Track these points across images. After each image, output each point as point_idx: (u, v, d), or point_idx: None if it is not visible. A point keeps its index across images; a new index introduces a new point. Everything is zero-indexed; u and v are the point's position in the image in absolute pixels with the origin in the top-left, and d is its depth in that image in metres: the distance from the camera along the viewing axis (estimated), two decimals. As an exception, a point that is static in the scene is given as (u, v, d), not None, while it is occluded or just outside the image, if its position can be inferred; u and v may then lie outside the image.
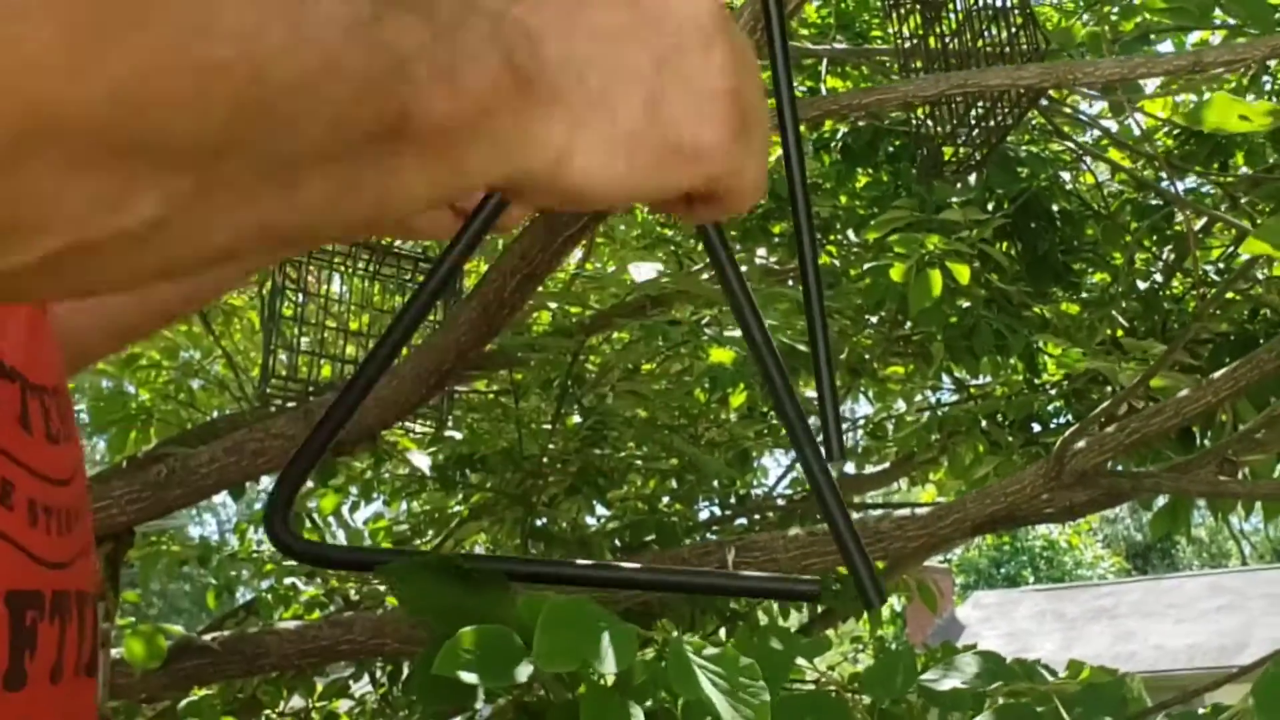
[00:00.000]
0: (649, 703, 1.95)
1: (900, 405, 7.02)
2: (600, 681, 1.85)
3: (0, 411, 0.97)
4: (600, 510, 5.33)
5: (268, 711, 5.04)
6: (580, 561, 1.64)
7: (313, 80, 0.73)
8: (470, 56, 0.81)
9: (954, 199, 5.66)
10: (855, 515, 5.93)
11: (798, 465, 7.33)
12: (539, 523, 5.06)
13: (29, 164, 0.65)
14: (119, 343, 1.64)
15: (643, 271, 4.60)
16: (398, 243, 5.06)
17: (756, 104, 1.00)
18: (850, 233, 6.54)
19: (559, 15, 0.89)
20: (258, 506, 6.14)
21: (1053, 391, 6.20)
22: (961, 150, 4.79)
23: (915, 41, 4.83)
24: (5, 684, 0.92)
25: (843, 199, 6.53)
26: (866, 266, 5.58)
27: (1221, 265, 6.24)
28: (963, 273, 5.14)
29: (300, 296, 4.51)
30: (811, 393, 6.25)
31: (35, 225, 0.67)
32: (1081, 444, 4.26)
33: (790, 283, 6.61)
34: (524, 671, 1.89)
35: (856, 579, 1.29)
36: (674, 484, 5.54)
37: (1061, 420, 6.20)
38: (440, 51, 0.80)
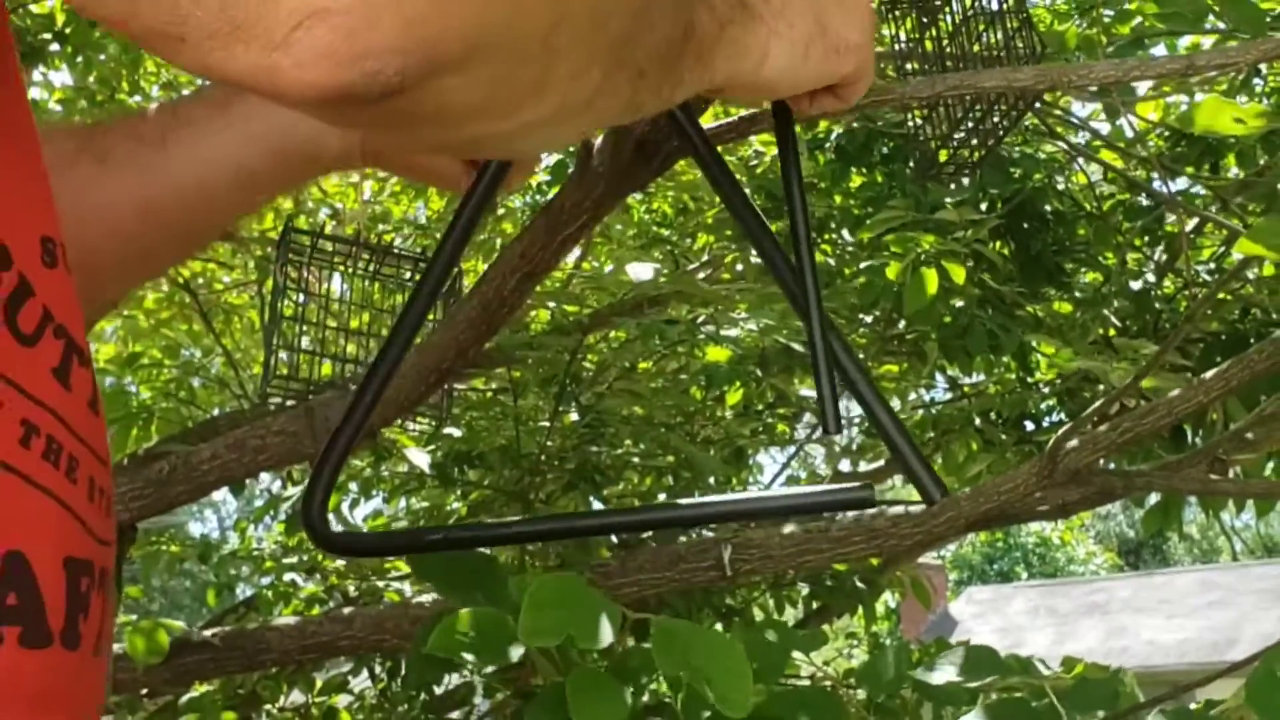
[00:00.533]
0: (644, 695, 1.96)
1: (895, 403, 7.03)
2: (591, 664, 1.85)
3: (76, 394, 0.99)
4: (597, 507, 5.34)
5: (268, 706, 5.04)
6: (609, 512, 1.67)
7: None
8: None
9: (949, 199, 5.67)
10: (850, 514, 5.96)
11: (793, 463, 7.34)
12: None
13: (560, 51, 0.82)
14: (136, 274, 1.66)
15: (640, 271, 4.60)
16: (398, 242, 5.07)
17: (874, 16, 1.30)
18: (845, 232, 6.55)
19: None
20: (258, 503, 6.15)
21: (1045, 390, 6.21)
22: (957, 152, 4.79)
23: (911, 44, 4.83)
24: (63, 642, 0.93)
25: (837, 199, 6.54)
26: (862, 266, 5.59)
27: (1213, 266, 6.25)
28: (957, 272, 5.15)
29: (301, 296, 4.52)
30: (806, 390, 6.27)
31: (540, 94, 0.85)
32: (1074, 442, 4.27)
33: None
34: (516, 651, 1.90)
35: (914, 479, 1.33)
36: (670, 481, 5.54)
37: (1054, 419, 6.21)
38: None
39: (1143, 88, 4.95)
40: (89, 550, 0.97)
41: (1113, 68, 3.06)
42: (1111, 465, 4.57)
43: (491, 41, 0.77)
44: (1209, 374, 4.43)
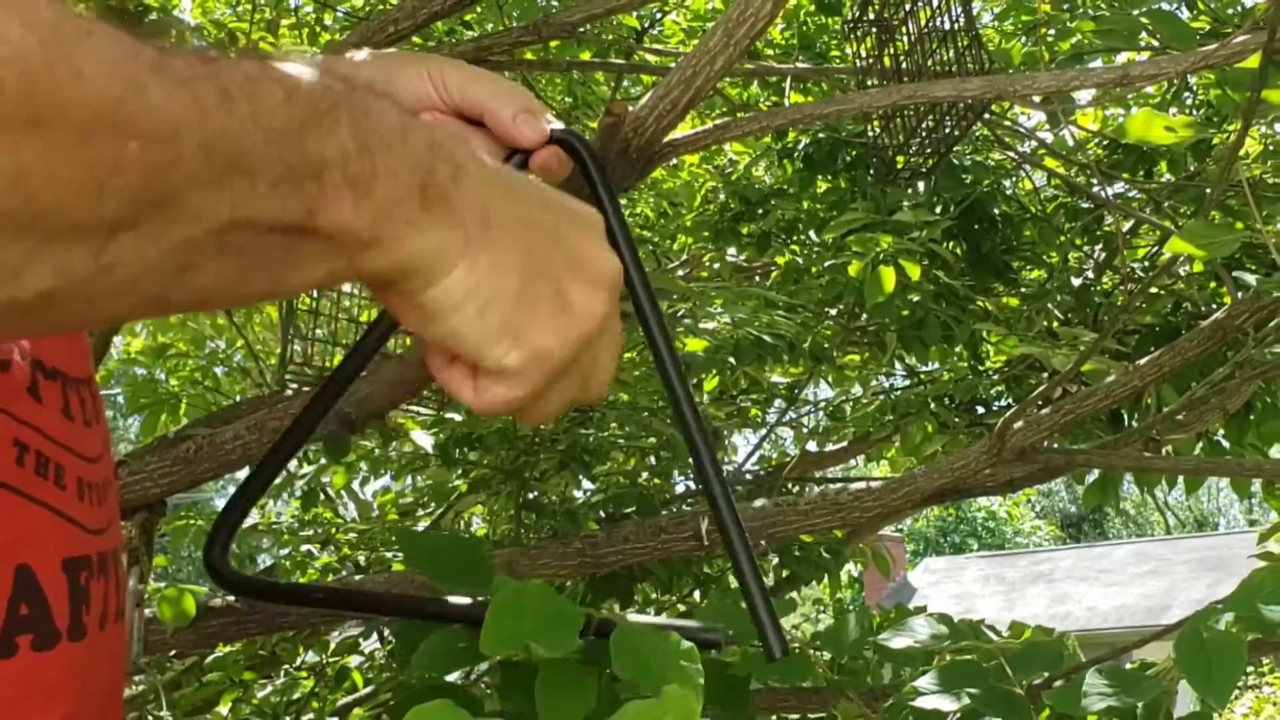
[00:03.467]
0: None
1: (857, 389, 7.03)
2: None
3: (48, 406, 1.00)
4: (586, 484, 5.33)
5: (285, 666, 5.03)
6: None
7: (220, 178, 0.75)
8: (389, 173, 0.86)
9: (905, 203, 5.67)
10: (815, 489, 5.93)
11: (765, 444, 7.33)
12: (531, 496, 5.05)
13: None
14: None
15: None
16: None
17: (592, 370, 1.05)
18: (812, 233, 6.54)
19: (496, 179, 0.97)
20: (276, 480, 6.15)
21: (994, 377, 6.20)
22: (913, 159, 4.79)
23: (871, 61, 4.83)
24: (69, 636, 0.95)
25: (805, 203, 6.53)
26: (826, 264, 5.59)
27: (1147, 263, 6.24)
28: (913, 270, 5.15)
29: (315, 291, 4.50)
30: (777, 377, 6.26)
31: None
32: (1020, 424, 4.27)
33: (758, 279, 6.62)
34: (484, 665, 1.88)
35: (760, 631, 1.27)
36: (653, 461, 5.54)
37: (1002, 403, 6.21)
38: (359, 164, 0.84)
39: (1082, 98, 4.95)
40: (84, 546, 0.99)
41: (1053, 78, 3.06)
42: (1055, 445, 4.57)
43: None
44: (1144, 361, 4.43)
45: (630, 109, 2.82)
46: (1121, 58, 4.99)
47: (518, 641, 1.69)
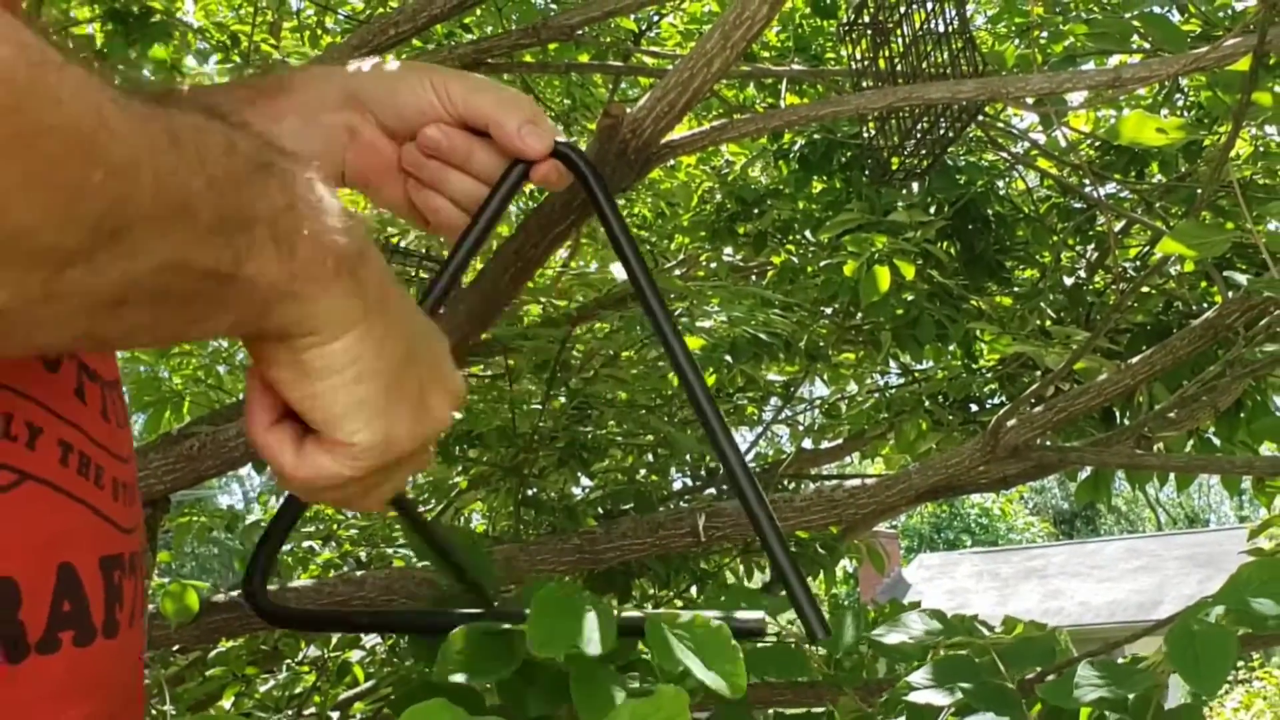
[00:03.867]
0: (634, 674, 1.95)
1: (852, 387, 7.03)
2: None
3: (91, 408, 1.01)
4: (585, 481, 5.34)
5: (287, 660, 5.03)
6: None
7: (167, 217, 0.78)
8: (312, 235, 0.90)
9: (900, 203, 5.67)
10: (811, 486, 5.93)
11: (761, 442, 7.33)
12: (530, 492, 5.06)
13: None
14: None
15: (622, 270, 4.60)
16: (404, 241, 5.06)
17: (395, 477, 1.07)
18: (808, 233, 6.55)
19: (389, 272, 1.00)
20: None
21: (988, 375, 6.21)
22: (907, 160, 4.79)
23: (866, 63, 4.82)
24: (104, 633, 0.96)
25: (800, 203, 6.53)
26: (822, 264, 5.60)
27: (1138, 263, 6.26)
28: (908, 269, 5.16)
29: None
30: (773, 375, 6.26)
31: None
32: (1013, 422, 4.27)
33: (754, 278, 6.62)
34: (512, 666, 1.88)
35: (801, 615, 1.26)
36: (650, 458, 5.54)
37: (996, 400, 6.21)
38: (287, 221, 0.88)
39: (1075, 100, 4.95)
40: (118, 545, 1.00)
41: (1046, 80, 3.06)
42: (1048, 442, 4.57)
43: None
44: (1135, 360, 4.44)
45: (628, 111, 2.82)
46: (1113, 60, 5.00)
47: (565, 642, 1.70)
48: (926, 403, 6.22)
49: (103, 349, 0.93)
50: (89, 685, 0.94)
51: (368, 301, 0.94)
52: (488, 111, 1.28)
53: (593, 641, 1.71)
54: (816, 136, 6.26)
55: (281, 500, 1.32)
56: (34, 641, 0.89)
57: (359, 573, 4.49)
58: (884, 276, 5.12)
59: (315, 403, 0.96)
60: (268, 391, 0.99)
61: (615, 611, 1.77)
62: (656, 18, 6.88)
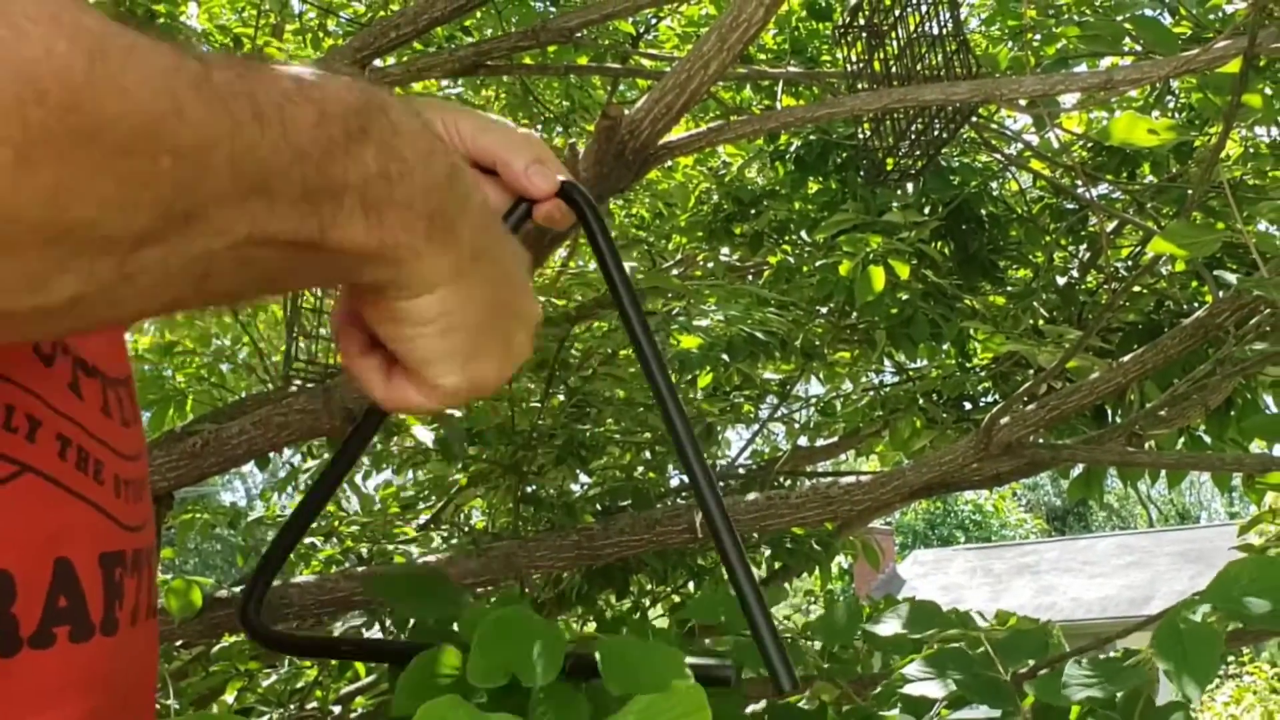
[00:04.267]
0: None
1: (847, 386, 7.03)
2: None
3: (88, 403, 1.00)
4: (583, 478, 5.34)
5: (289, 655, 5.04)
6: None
7: (245, 194, 0.76)
8: (404, 201, 0.88)
9: (895, 204, 5.68)
10: (807, 483, 5.93)
11: (758, 439, 7.33)
12: (529, 489, 5.06)
13: None
14: None
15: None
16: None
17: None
18: (803, 233, 6.55)
19: (486, 215, 1.03)
20: (281, 474, 6.15)
21: (981, 373, 6.21)
22: (902, 161, 4.79)
23: (861, 65, 4.83)
24: (102, 630, 0.95)
25: (796, 204, 6.54)
26: (817, 264, 5.60)
27: (1130, 262, 6.25)
28: (902, 269, 5.17)
29: (319, 290, 4.51)
30: (769, 374, 6.26)
31: None
32: (1006, 419, 4.27)
33: (750, 278, 6.62)
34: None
35: (769, 665, 1.24)
36: (647, 455, 5.54)
37: (989, 399, 6.21)
38: (378, 188, 0.85)
39: (1067, 101, 4.96)
40: (120, 542, 0.99)
41: (1039, 82, 3.06)
42: (1040, 440, 4.58)
43: None
44: (1127, 358, 4.45)
45: (626, 112, 2.82)
46: (1105, 62, 5.00)
47: (504, 670, 1.68)
48: (921, 401, 6.22)
49: (191, 310, 0.88)
50: (87, 682, 0.93)
51: (461, 258, 0.95)
52: (495, 151, 1.28)
53: (532, 672, 1.69)
54: (812, 138, 6.26)
55: (278, 530, 1.32)
56: (27, 636, 0.88)
57: (360, 569, 4.50)
58: (879, 276, 5.12)
59: (404, 346, 0.98)
60: (357, 319, 1.01)
61: (581, 633, 1.74)
62: (654, 20, 6.87)
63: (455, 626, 2.16)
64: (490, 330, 1.02)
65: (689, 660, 1.60)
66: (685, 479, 5.82)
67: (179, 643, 4.37)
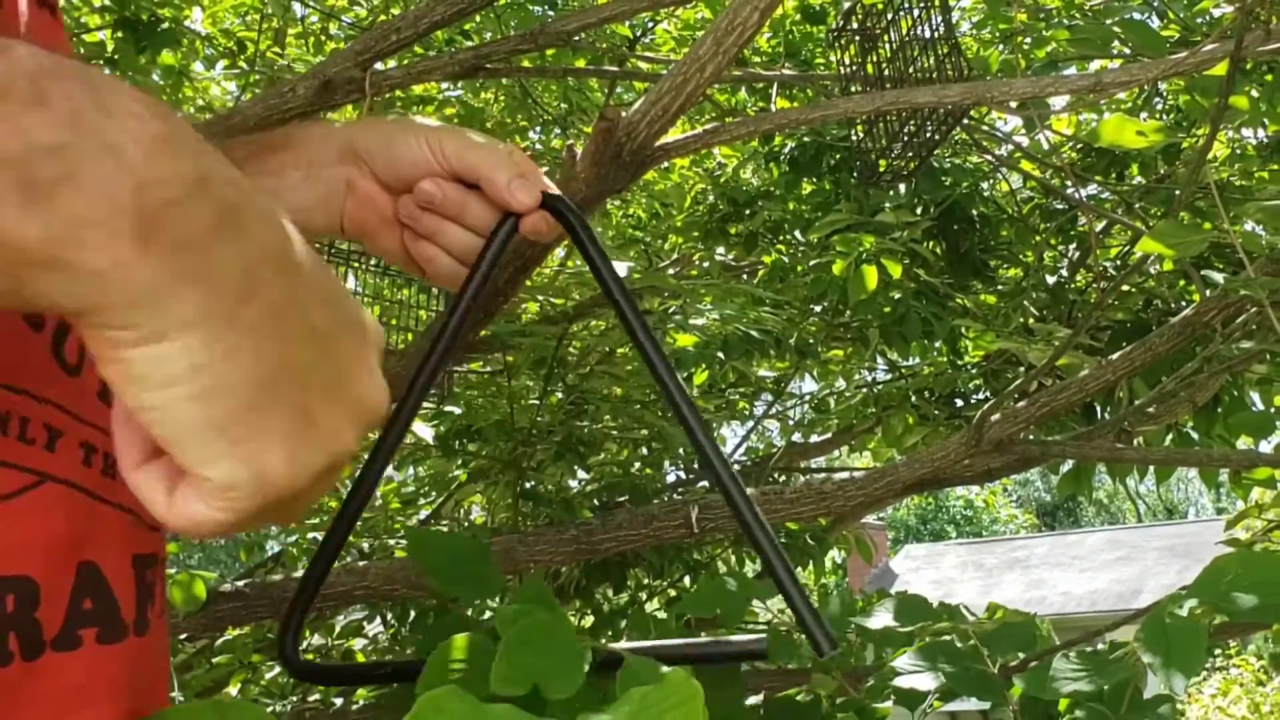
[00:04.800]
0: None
1: (841, 383, 7.03)
2: None
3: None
4: (581, 474, 5.34)
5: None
6: None
7: None
8: (94, 182, 0.67)
9: (887, 204, 5.68)
10: (801, 479, 5.93)
11: (752, 436, 7.34)
12: (528, 485, 5.06)
13: None
14: None
15: (617, 268, 4.60)
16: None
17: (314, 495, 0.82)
18: (797, 233, 6.55)
19: (281, 247, 0.77)
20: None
21: (973, 371, 6.22)
22: (895, 162, 4.80)
23: (855, 68, 4.83)
24: (136, 630, 0.95)
25: (790, 204, 6.54)
26: (812, 263, 5.61)
27: (1119, 262, 6.26)
28: (895, 268, 5.17)
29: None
30: (764, 372, 6.26)
31: None
32: (997, 416, 4.28)
33: (745, 277, 6.62)
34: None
35: (806, 630, 1.24)
36: (645, 451, 5.54)
37: (980, 396, 6.22)
38: (50, 165, 0.66)
39: (1057, 103, 4.96)
40: (150, 543, 0.99)
41: (1030, 84, 3.07)
42: (1030, 436, 4.58)
43: None
44: (1116, 356, 4.45)
45: (623, 114, 2.82)
46: (1095, 65, 5.01)
47: (526, 680, 1.67)
48: (913, 398, 6.23)
49: None
50: (117, 684, 0.93)
51: (218, 293, 0.71)
52: (479, 167, 1.28)
53: (554, 684, 1.67)
54: (806, 139, 6.26)
55: (311, 560, 1.32)
56: (50, 639, 0.87)
57: (362, 563, 4.50)
58: (871, 275, 5.13)
59: (151, 418, 0.73)
60: (135, 418, 0.76)
61: (603, 645, 1.74)
62: (651, 24, 6.88)
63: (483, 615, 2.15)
64: (277, 402, 0.75)
65: (715, 640, 1.59)
66: (682, 475, 5.82)
67: (183, 636, 4.37)
